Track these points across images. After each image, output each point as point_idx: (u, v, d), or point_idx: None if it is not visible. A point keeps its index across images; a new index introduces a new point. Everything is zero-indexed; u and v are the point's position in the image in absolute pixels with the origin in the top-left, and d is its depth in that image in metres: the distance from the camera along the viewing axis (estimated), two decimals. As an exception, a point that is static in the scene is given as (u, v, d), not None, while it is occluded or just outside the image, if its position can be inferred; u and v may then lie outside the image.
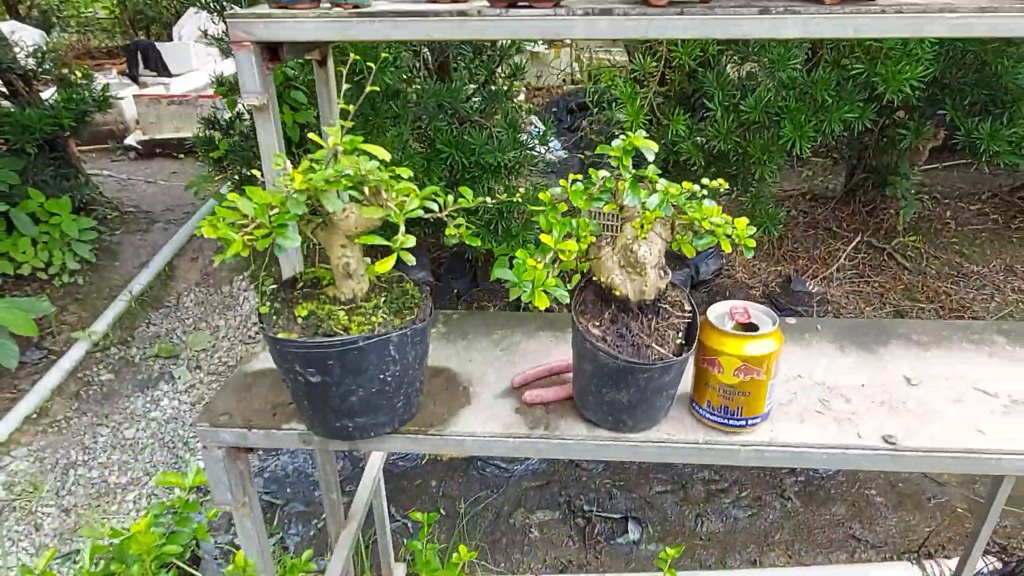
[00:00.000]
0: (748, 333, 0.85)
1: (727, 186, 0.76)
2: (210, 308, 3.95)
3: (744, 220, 0.79)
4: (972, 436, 0.92)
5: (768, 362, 0.85)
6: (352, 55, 0.97)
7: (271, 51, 1.04)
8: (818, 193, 4.76)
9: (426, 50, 3.39)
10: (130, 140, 5.97)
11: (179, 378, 3.42)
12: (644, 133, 0.76)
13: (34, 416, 3.17)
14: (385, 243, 0.79)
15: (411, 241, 0.79)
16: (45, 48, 4.09)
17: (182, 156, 5.89)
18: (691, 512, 2.55)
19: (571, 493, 2.65)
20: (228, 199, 0.83)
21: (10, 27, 5.55)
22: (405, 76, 3.10)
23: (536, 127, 4.16)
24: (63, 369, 3.40)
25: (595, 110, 4.98)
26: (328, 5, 1.03)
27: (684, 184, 0.79)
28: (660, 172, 0.87)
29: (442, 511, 2.56)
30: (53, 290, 3.86)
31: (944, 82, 3.03)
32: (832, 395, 0.99)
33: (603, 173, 0.83)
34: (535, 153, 3.13)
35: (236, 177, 3.59)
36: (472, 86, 3.42)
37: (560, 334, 1.16)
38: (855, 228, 4.30)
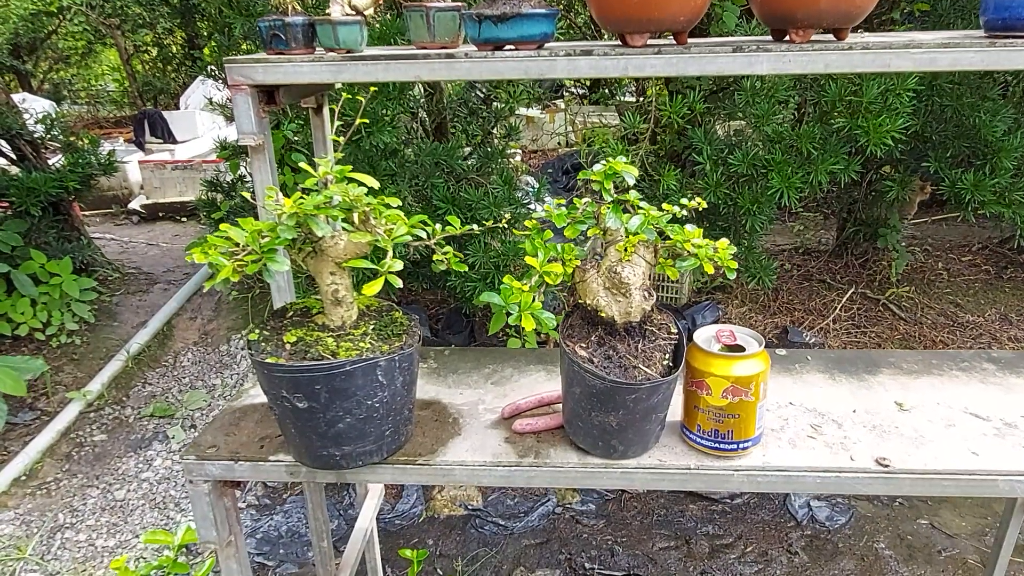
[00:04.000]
0: (735, 354, 0.85)
1: (705, 204, 0.78)
2: (207, 367, 3.93)
3: (725, 242, 0.81)
4: (967, 458, 0.91)
5: (756, 383, 0.85)
6: (344, 94, 1.02)
7: (267, 94, 1.08)
8: (811, 247, 4.82)
9: (423, 112, 3.51)
10: (134, 204, 6.08)
11: (173, 437, 3.37)
12: (623, 159, 0.78)
13: (23, 478, 3.11)
14: (373, 267, 0.81)
15: (398, 264, 0.80)
16: (54, 117, 4.22)
17: (184, 219, 6.00)
18: (695, 569, 2.47)
19: (572, 550, 2.57)
20: (221, 229, 0.85)
21: (21, 97, 5.74)
22: (403, 137, 3.20)
23: (531, 186, 4.25)
24: (55, 430, 3.36)
25: (589, 169, 5.06)
26: (322, 51, 1.08)
27: (665, 206, 0.81)
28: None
29: (439, 571, 2.48)
30: (50, 350, 3.85)
31: (926, 136, 3.12)
32: (824, 421, 0.99)
33: (586, 199, 0.85)
34: (530, 210, 3.19)
35: (236, 236, 3.64)
36: (468, 147, 3.52)
37: (551, 368, 1.16)
38: (849, 280, 4.33)
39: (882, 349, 3.65)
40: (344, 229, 0.87)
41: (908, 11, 3.30)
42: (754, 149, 2.80)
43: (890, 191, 3.36)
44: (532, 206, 3.28)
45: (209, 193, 3.78)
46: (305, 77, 1.03)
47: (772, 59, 0.98)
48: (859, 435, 0.95)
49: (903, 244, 4.10)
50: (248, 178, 3.82)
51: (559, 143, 7.14)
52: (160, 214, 6.04)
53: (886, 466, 0.88)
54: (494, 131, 3.76)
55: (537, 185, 3.46)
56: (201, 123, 7.14)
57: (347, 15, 1.05)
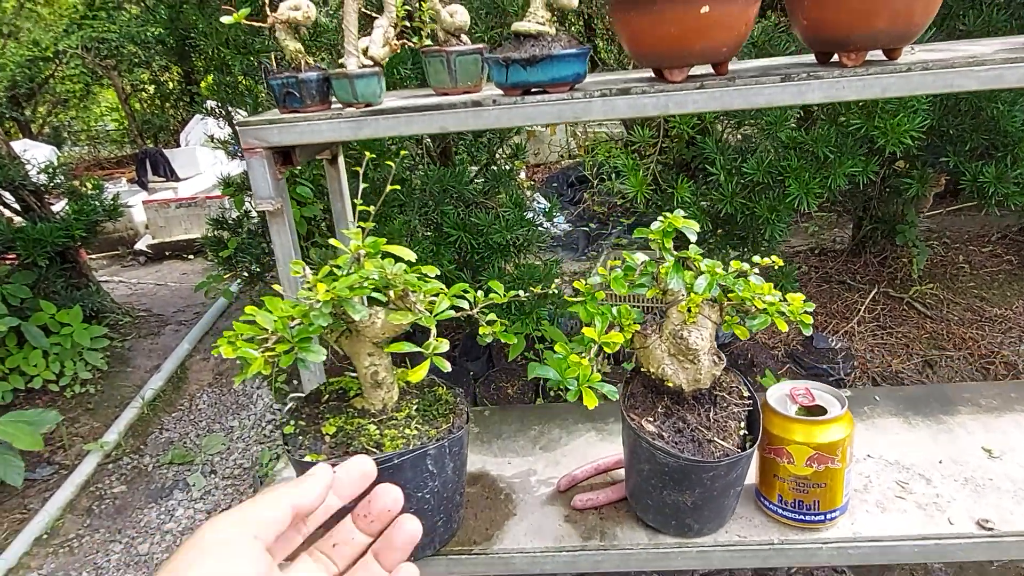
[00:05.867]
0: (817, 418, 0.78)
1: (780, 263, 0.70)
2: (223, 408, 3.87)
3: (800, 296, 0.74)
4: (1076, 513, 0.83)
5: (843, 448, 0.77)
6: (368, 154, 0.95)
7: (283, 155, 1.02)
8: (826, 247, 4.73)
9: (427, 138, 3.45)
10: (140, 245, 6.04)
11: (194, 485, 3.30)
12: (654, 200, 0.71)
13: (44, 536, 3.04)
14: (417, 350, 0.73)
15: (444, 345, 0.73)
16: (56, 163, 4.18)
17: (191, 257, 5.96)
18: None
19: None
20: (246, 312, 0.78)
21: (22, 145, 5.73)
22: (409, 164, 3.14)
23: (540, 204, 4.18)
24: (74, 484, 3.29)
25: (595, 182, 5.02)
26: (339, 106, 1.02)
27: (733, 264, 0.73)
28: (674, 238, 0.81)
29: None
30: (64, 401, 3.80)
31: (943, 130, 3.04)
32: (910, 476, 0.91)
33: (641, 256, 0.78)
34: (541, 229, 3.11)
35: (245, 274, 3.60)
36: (474, 169, 3.45)
37: (602, 426, 1.09)
38: (869, 280, 4.23)
39: (954, 383, 3.52)
40: (372, 300, 0.80)
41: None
42: (768, 156, 2.73)
43: (909, 188, 3.28)
44: (544, 226, 3.21)
45: (215, 231, 3.73)
46: (324, 136, 0.96)
47: (825, 87, 0.90)
48: (952, 491, 0.87)
49: (921, 239, 4.01)
50: (253, 215, 3.77)
51: (561, 155, 7.08)
52: (167, 253, 6.00)
53: (990, 529, 0.80)
54: (499, 152, 3.70)
55: (547, 204, 3.39)
56: (202, 159, 7.12)
57: (364, 66, 0.99)
